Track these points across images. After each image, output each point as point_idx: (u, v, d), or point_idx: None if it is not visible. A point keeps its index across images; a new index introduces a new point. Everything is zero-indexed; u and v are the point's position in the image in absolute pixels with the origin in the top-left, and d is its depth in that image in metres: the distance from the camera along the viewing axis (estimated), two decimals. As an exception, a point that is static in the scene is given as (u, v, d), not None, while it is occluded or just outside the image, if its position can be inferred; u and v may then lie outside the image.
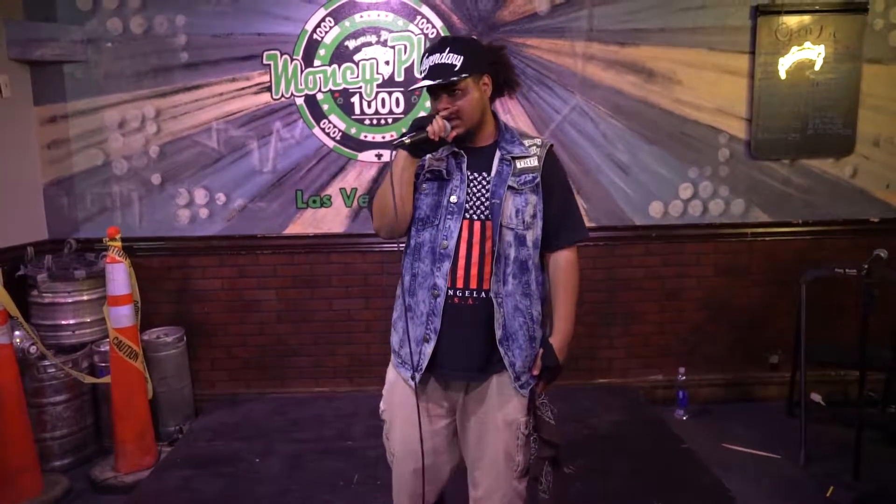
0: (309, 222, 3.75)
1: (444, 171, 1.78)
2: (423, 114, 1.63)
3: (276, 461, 3.10)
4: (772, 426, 3.53)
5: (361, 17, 3.60)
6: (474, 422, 1.81)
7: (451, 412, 1.85)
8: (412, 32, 3.61)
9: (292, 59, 3.62)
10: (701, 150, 3.74)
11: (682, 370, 3.73)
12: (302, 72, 3.63)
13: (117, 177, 3.68)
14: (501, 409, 1.78)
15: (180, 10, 3.55)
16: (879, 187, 3.79)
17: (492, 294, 1.73)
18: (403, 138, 1.69)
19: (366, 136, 3.69)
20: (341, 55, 3.62)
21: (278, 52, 3.61)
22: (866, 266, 2.91)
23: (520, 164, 1.78)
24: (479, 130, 1.80)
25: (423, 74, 1.74)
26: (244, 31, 3.59)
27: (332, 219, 3.75)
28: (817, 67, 3.66)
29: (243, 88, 3.64)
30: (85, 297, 3.37)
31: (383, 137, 3.69)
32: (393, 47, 3.62)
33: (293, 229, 3.75)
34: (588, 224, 3.65)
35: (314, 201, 3.73)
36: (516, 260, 1.75)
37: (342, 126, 3.68)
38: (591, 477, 2.88)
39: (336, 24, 3.60)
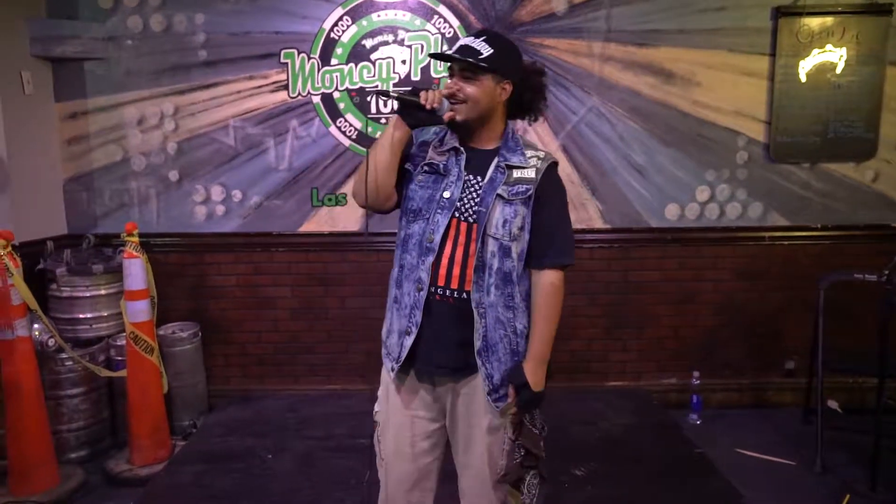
0: (324, 220, 3.76)
1: (442, 167, 1.74)
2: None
3: (288, 458, 3.11)
4: (787, 433, 3.50)
5: (379, 16, 3.61)
6: (462, 427, 1.77)
7: (442, 415, 1.81)
8: (429, 32, 3.61)
9: (309, 58, 3.63)
10: (719, 153, 3.70)
11: (696, 374, 3.70)
12: (319, 70, 3.64)
13: (135, 173, 3.72)
14: (486, 415, 1.73)
15: (199, 8, 3.58)
16: (901, 192, 3.74)
17: (472, 304, 1.68)
18: (391, 90, 1.66)
19: (381, 136, 3.70)
20: (358, 54, 3.63)
21: (296, 51, 3.62)
22: (886, 272, 2.87)
23: (515, 174, 1.71)
24: (481, 130, 1.75)
25: (450, 49, 1.75)
26: (262, 30, 3.61)
27: (347, 217, 3.76)
28: (839, 70, 3.61)
29: (260, 86, 3.66)
30: (102, 292, 3.41)
31: (399, 137, 3.69)
32: (410, 46, 3.62)
33: (308, 227, 3.76)
34: (603, 226, 3.75)
35: (329, 199, 3.74)
36: (499, 271, 1.69)
37: (358, 125, 3.69)
38: (602, 480, 2.87)
39: (353, 22, 3.61)
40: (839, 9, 3.57)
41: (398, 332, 1.75)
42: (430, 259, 1.69)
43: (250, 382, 3.88)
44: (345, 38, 3.62)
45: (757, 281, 3.80)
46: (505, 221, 1.68)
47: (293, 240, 3.78)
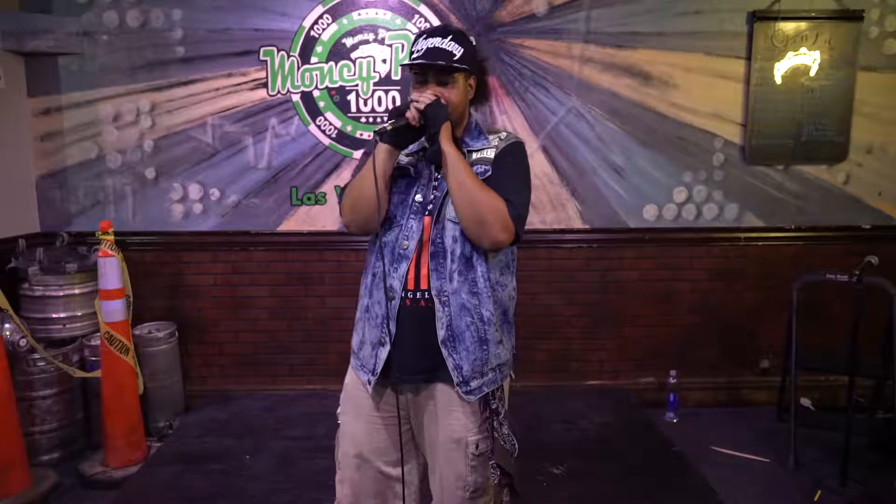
0: (303, 219, 3.74)
1: (412, 169, 1.68)
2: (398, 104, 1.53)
3: (266, 459, 3.09)
4: (761, 430, 3.55)
5: (359, 14, 3.60)
6: (425, 433, 1.72)
7: (407, 419, 1.74)
8: (410, 31, 3.60)
9: (289, 56, 3.61)
10: (696, 155, 3.75)
11: (673, 373, 3.74)
12: (299, 68, 3.62)
13: (111, 170, 3.66)
14: (448, 425, 1.66)
15: (177, 4, 3.54)
16: (871, 195, 3.81)
17: (433, 292, 1.61)
18: (384, 125, 1.57)
19: (361, 134, 3.69)
20: (338, 52, 3.62)
21: (275, 49, 3.60)
22: (857, 272, 2.92)
23: (474, 156, 1.66)
24: (456, 128, 1.68)
25: (418, 54, 1.62)
26: (241, 27, 3.58)
27: (326, 216, 3.74)
28: (812, 74, 3.68)
29: (239, 84, 3.63)
30: (76, 291, 3.35)
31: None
32: (390, 46, 3.61)
33: (287, 226, 3.74)
34: (582, 226, 3.77)
35: (309, 198, 3.72)
36: (461, 256, 1.61)
37: (338, 124, 3.67)
38: (579, 479, 2.89)
39: (334, 21, 3.59)
40: (813, 14, 3.63)
41: (371, 343, 1.69)
42: (405, 266, 1.63)
43: (228, 382, 3.85)
44: (325, 37, 3.60)
45: (732, 281, 3.85)
46: None
47: (272, 239, 3.75)
